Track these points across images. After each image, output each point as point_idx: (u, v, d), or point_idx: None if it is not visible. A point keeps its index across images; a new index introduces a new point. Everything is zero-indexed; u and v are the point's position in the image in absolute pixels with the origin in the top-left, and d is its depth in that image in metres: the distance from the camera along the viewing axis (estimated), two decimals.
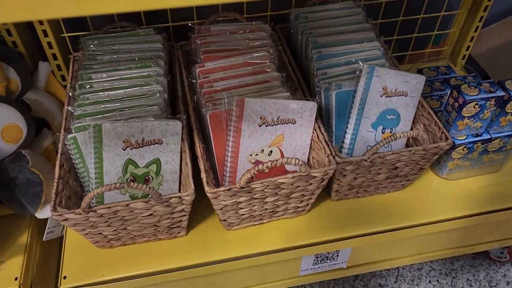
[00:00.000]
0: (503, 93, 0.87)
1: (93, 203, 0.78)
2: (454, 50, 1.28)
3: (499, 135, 0.93)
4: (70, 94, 0.85)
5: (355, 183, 0.88)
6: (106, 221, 0.76)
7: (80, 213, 0.71)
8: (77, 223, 0.75)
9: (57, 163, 0.77)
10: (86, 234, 0.80)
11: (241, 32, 0.98)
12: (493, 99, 0.86)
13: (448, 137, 0.84)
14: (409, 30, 1.23)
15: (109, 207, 0.72)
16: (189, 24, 0.98)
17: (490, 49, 1.39)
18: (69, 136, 0.78)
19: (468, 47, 1.24)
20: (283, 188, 0.79)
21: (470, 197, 0.97)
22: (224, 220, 0.85)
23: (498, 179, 1.01)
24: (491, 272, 1.21)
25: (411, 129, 0.93)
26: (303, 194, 0.83)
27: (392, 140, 0.77)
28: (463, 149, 0.93)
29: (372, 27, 1.00)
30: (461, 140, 0.92)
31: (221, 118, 0.80)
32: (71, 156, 0.79)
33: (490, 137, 0.93)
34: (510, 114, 0.90)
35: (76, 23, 1.04)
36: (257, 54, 0.92)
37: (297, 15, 1.02)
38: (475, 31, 1.19)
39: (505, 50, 1.39)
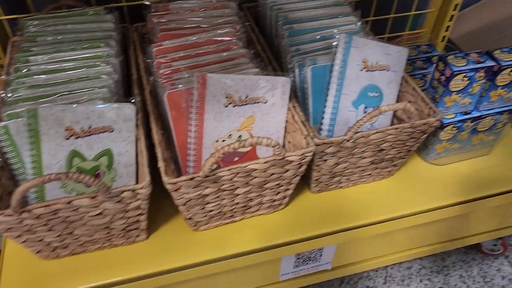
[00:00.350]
0: (493, 63, 0.79)
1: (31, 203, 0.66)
2: (433, 32, 1.21)
3: (490, 112, 0.85)
4: (4, 79, 0.73)
5: (336, 170, 0.78)
6: (46, 224, 0.64)
7: (11, 214, 0.59)
8: (10, 228, 0.62)
9: None
10: (25, 242, 0.67)
11: (203, 9, 0.88)
12: (483, 70, 0.78)
13: (436, 111, 0.75)
14: (386, 12, 1.15)
15: (47, 205, 0.60)
16: (145, 3, 0.87)
17: (470, 32, 1.33)
18: None
19: (448, 27, 1.17)
20: (256, 176, 0.68)
21: (461, 183, 0.88)
22: (190, 219, 0.74)
23: (489, 162, 0.93)
24: (484, 267, 1.13)
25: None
26: (278, 184, 0.73)
27: (376, 115, 0.68)
28: (451, 129, 0.84)
29: (347, 3, 0.91)
30: (450, 119, 0.84)
31: (181, 99, 0.69)
32: (3, 150, 0.67)
33: (480, 114, 0.85)
34: (500, 87, 0.83)
35: (16, 4, 0.92)
36: (221, 31, 0.82)
37: None
38: (454, 9, 1.13)
39: (484, 33, 1.33)
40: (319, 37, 0.83)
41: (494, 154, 0.94)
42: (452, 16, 1.14)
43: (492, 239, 1.08)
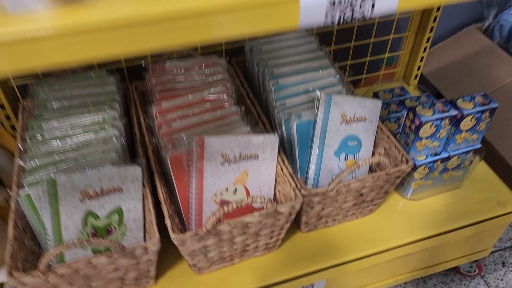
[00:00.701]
0: (456, 112, 0.89)
1: (52, 262, 0.74)
2: (406, 71, 1.32)
3: (457, 152, 0.96)
4: (21, 146, 0.81)
5: (323, 213, 0.88)
6: (68, 281, 0.72)
7: (39, 276, 0.67)
8: (35, 287, 0.70)
9: (10, 222, 0.72)
10: None
11: (196, 67, 0.97)
12: (447, 118, 0.89)
13: (408, 159, 0.85)
14: (361, 54, 1.26)
15: (70, 266, 0.68)
16: (143, 64, 0.96)
17: (440, 68, 1.45)
18: (21, 193, 0.73)
19: (419, 67, 1.28)
20: (251, 227, 0.77)
21: (437, 216, 0.98)
22: (194, 265, 0.82)
23: (460, 195, 1.03)
24: (462, 287, 1.22)
25: (373, 153, 0.94)
26: (272, 230, 0.82)
27: (355, 169, 0.77)
28: (424, 169, 0.94)
29: (326, 54, 1.01)
30: (421, 160, 0.94)
31: (182, 160, 0.78)
32: (26, 214, 0.75)
33: (448, 155, 0.95)
34: (464, 131, 0.93)
35: None
36: (214, 89, 0.91)
37: (251, 47, 1.02)
38: (424, 51, 1.24)
39: (454, 68, 1.44)
40: (302, 91, 0.93)
41: (464, 187, 1.04)
42: (422, 57, 1.25)
43: (469, 261, 1.18)
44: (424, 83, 1.45)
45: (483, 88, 1.33)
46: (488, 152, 1.25)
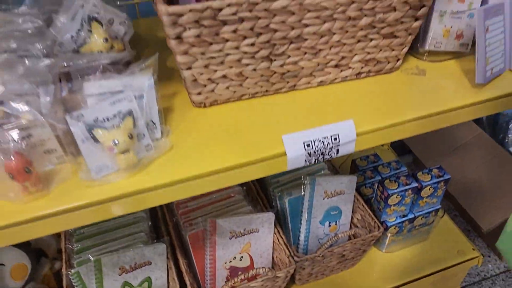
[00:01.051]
0: (416, 184, 1.10)
1: None
2: None
3: (421, 213, 1.16)
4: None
5: (313, 271, 1.08)
6: None
7: None
8: None
9: None
10: None
11: None
12: (410, 190, 1.10)
13: (379, 226, 1.06)
14: None
15: None
16: None
17: None
18: (73, 270, 0.92)
19: None
20: None
21: (408, 266, 1.18)
22: None
23: (427, 246, 1.23)
24: None
25: (352, 219, 1.14)
26: None
27: (336, 240, 0.98)
28: (394, 228, 1.15)
29: None
30: (392, 222, 1.14)
31: (199, 237, 0.98)
32: (75, 286, 0.94)
33: (414, 216, 1.16)
34: (425, 197, 1.14)
35: None
36: None
37: None
38: None
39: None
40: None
41: (430, 239, 1.25)
42: None
43: None
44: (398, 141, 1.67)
45: (448, 145, 1.55)
46: (454, 204, 1.47)
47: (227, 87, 0.70)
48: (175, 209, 1.05)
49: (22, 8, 0.72)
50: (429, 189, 1.12)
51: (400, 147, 1.71)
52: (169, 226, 1.05)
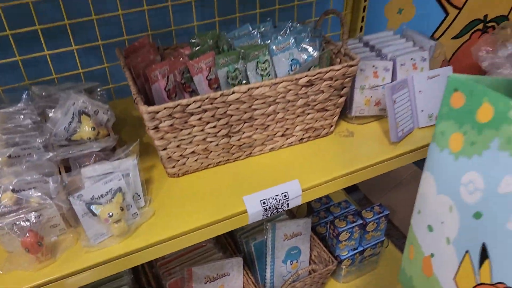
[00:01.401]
0: (361, 221, 1.29)
1: None
2: None
3: (368, 245, 1.35)
4: None
5: None
6: None
7: None
8: None
9: None
10: None
11: None
12: (356, 226, 1.28)
13: (333, 260, 1.23)
14: None
15: None
16: None
17: None
18: None
19: None
20: None
21: None
22: None
23: (377, 274, 1.41)
24: None
25: (310, 256, 1.31)
26: None
27: (297, 277, 1.14)
28: (347, 261, 1.32)
29: None
30: (345, 255, 1.32)
31: (178, 285, 1.11)
32: None
33: (363, 248, 1.34)
34: (370, 231, 1.32)
35: None
36: None
37: None
38: None
39: None
40: None
41: (379, 267, 1.43)
42: None
43: None
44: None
45: (390, 182, 1.77)
46: (400, 233, 1.66)
47: (196, 160, 0.86)
48: (153, 261, 1.19)
49: (20, 105, 0.87)
50: (373, 224, 1.31)
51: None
52: (149, 277, 1.18)
